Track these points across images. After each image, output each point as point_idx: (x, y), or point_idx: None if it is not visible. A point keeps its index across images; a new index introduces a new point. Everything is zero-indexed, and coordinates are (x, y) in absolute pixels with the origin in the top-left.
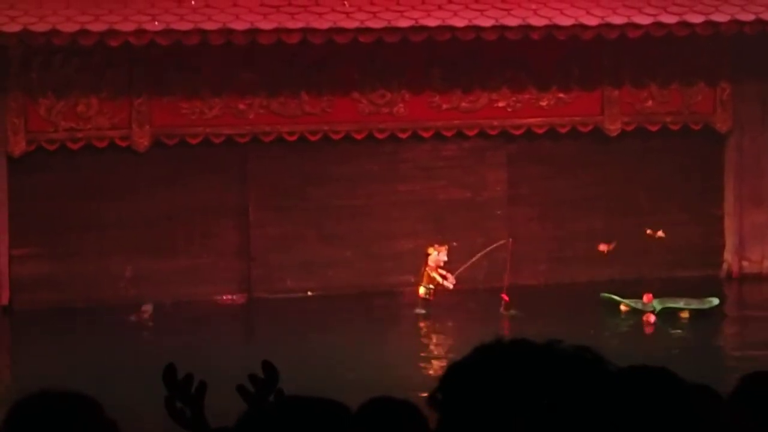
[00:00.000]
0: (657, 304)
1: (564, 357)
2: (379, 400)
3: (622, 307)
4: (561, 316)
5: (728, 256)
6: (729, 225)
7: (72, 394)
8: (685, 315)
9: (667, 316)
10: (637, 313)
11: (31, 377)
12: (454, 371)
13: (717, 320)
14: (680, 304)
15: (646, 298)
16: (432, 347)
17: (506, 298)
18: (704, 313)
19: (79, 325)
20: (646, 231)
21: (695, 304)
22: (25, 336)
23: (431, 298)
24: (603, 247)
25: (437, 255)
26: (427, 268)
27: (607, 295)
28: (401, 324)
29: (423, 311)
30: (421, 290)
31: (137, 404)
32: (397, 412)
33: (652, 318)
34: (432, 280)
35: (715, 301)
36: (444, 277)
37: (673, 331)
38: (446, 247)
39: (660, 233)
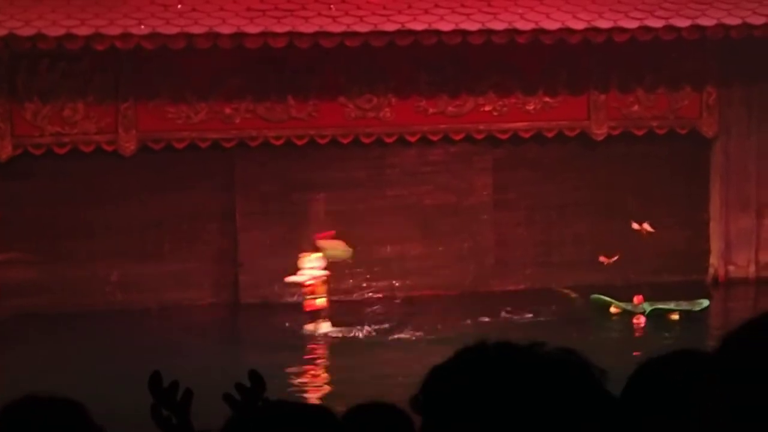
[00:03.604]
0: (647, 306)
1: (547, 360)
2: (366, 406)
3: (613, 309)
4: (550, 320)
5: (714, 260)
6: (715, 230)
7: (60, 399)
8: (675, 317)
9: (657, 318)
10: (627, 314)
11: (17, 383)
12: (435, 374)
13: (707, 322)
14: (670, 305)
15: (636, 299)
16: (424, 353)
17: None
18: (694, 315)
19: (65, 330)
20: (632, 225)
21: (685, 306)
22: (11, 342)
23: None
24: (603, 259)
25: (310, 263)
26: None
27: (597, 296)
28: (394, 329)
29: (324, 329)
30: (320, 300)
31: (124, 411)
32: (383, 416)
33: (642, 320)
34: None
35: (705, 302)
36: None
37: (662, 333)
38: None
39: (646, 226)
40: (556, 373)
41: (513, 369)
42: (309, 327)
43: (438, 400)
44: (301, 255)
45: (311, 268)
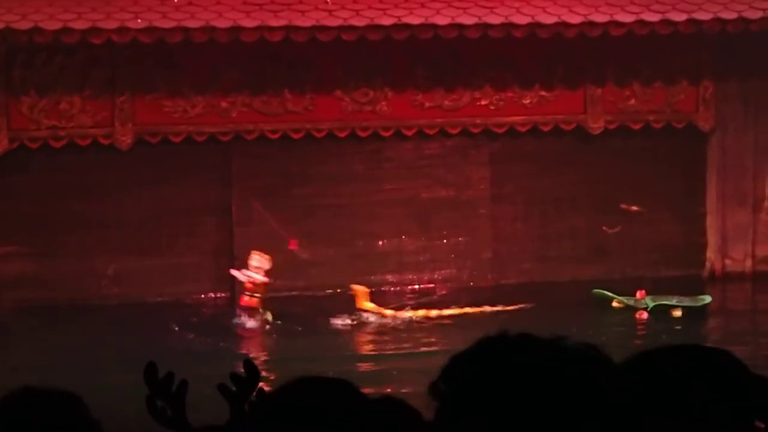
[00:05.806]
0: (650, 301)
1: (568, 354)
2: (373, 401)
3: (615, 304)
4: (550, 315)
5: (711, 254)
6: (712, 224)
7: (57, 391)
8: (677, 313)
9: (660, 313)
10: (629, 309)
11: (13, 376)
12: (456, 362)
13: (710, 319)
14: (673, 301)
15: (638, 294)
16: (417, 344)
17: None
18: (697, 311)
19: (61, 323)
20: (620, 206)
21: (687, 302)
22: (8, 335)
23: (255, 305)
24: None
25: (257, 263)
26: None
27: (599, 291)
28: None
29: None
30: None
31: (120, 403)
32: (392, 411)
33: (645, 315)
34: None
35: (708, 298)
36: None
37: (666, 329)
38: (268, 257)
39: (634, 207)
40: (577, 367)
41: (534, 361)
42: (241, 320)
43: (457, 388)
44: (252, 253)
45: (256, 269)
